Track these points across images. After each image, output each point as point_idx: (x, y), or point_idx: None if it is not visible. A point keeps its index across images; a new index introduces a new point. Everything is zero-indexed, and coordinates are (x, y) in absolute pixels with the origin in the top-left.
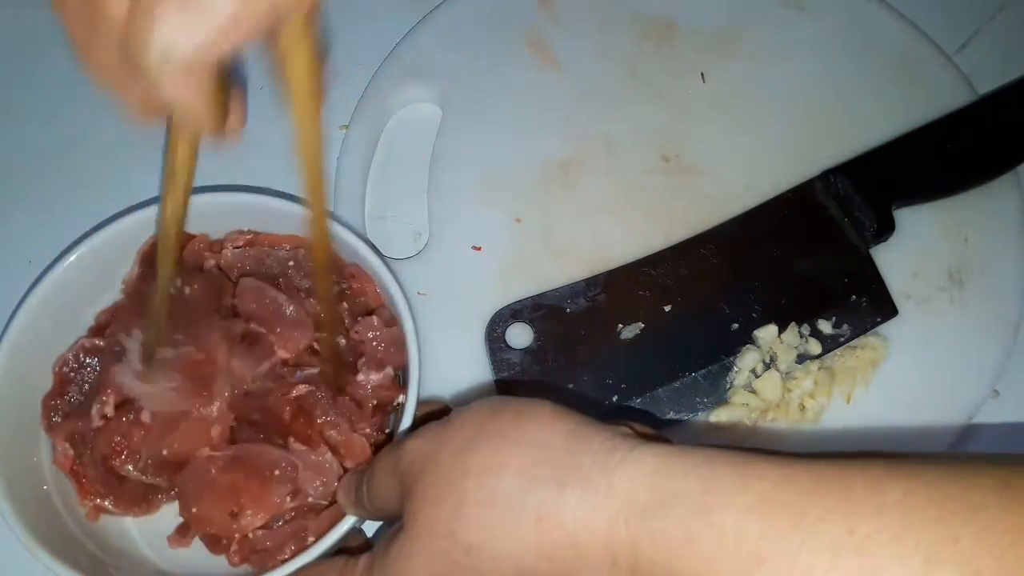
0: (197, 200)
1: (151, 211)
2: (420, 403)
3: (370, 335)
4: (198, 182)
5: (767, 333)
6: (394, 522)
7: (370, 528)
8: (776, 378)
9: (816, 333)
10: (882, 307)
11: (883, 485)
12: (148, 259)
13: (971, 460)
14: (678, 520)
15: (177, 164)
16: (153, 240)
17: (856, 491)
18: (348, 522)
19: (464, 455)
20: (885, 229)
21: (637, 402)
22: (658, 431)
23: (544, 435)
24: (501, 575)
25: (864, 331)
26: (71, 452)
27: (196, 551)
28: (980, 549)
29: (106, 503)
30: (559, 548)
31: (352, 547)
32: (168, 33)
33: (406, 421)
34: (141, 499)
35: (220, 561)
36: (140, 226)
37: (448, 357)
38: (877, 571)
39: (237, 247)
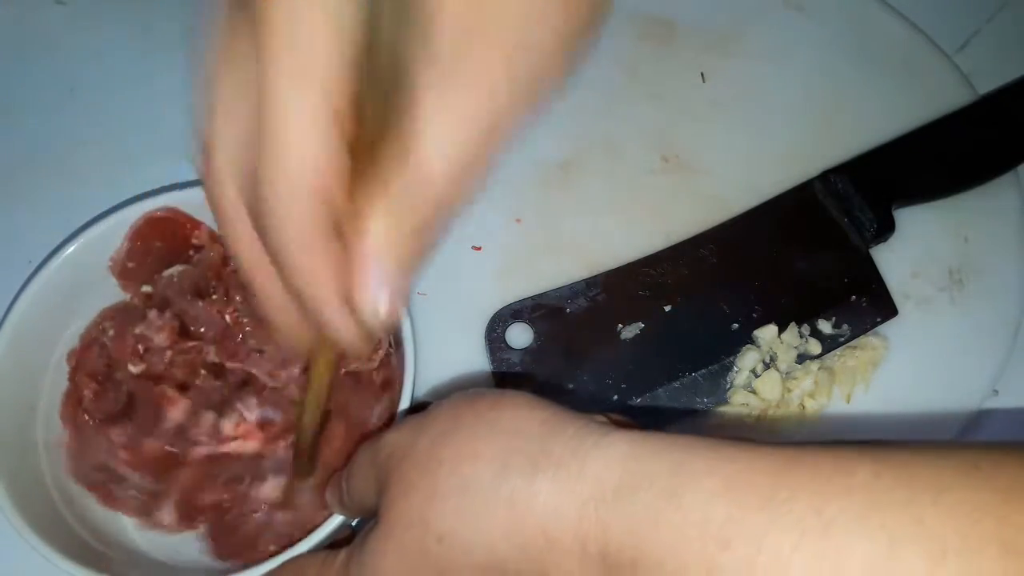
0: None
1: (148, 203)
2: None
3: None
4: None
5: (767, 333)
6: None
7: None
8: (776, 378)
9: (816, 333)
10: (882, 307)
11: (852, 466)
12: (139, 235)
13: (940, 445)
14: (646, 504)
15: (316, 382)
16: (146, 216)
17: (824, 472)
18: (335, 521)
19: (439, 445)
20: (885, 229)
21: (637, 402)
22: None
23: (519, 424)
24: (473, 564)
25: (864, 331)
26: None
27: (191, 544)
28: (946, 529)
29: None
30: (530, 536)
31: (340, 542)
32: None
33: (399, 420)
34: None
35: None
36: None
37: (448, 357)
38: (842, 551)
39: None
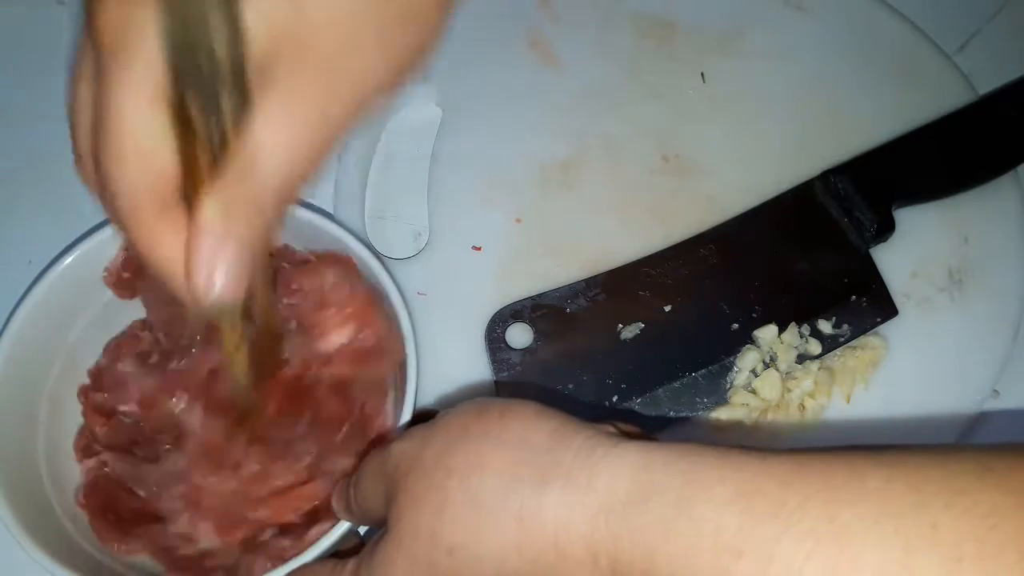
0: None
1: None
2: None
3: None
4: None
5: (767, 333)
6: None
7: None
8: (776, 378)
9: (816, 333)
10: (882, 307)
11: (863, 472)
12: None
13: (951, 448)
14: (657, 515)
15: (229, 347)
16: None
17: (836, 479)
18: (342, 527)
19: (447, 455)
20: (885, 229)
21: (637, 402)
22: (654, 432)
23: (527, 434)
24: None
25: (864, 331)
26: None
27: None
28: (961, 534)
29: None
30: (541, 548)
31: (347, 550)
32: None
33: (402, 423)
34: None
35: None
36: None
37: (448, 357)
38: (857, 559)
39: None
